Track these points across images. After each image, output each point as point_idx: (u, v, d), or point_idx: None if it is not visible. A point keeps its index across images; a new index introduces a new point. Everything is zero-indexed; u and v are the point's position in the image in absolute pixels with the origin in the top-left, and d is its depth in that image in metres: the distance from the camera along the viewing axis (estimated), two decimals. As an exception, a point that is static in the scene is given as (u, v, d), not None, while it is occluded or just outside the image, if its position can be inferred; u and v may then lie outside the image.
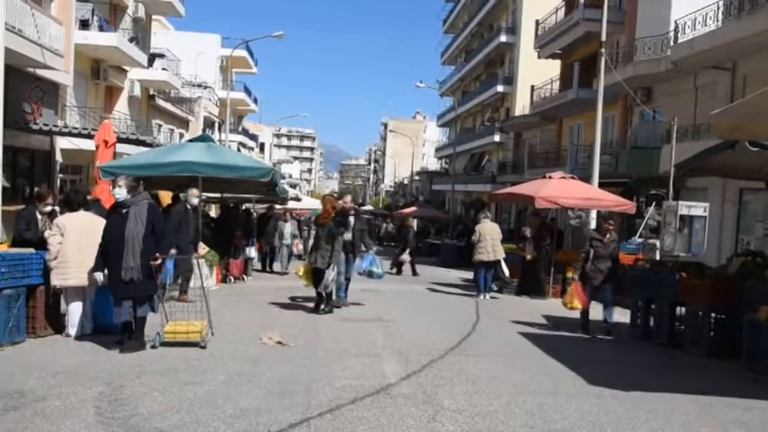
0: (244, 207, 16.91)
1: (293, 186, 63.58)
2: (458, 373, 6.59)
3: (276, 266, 16.90)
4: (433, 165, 70.27)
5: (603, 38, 17.21)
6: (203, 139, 12.90)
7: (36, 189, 10.32)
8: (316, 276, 9.92)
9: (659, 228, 13.80)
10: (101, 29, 19.90)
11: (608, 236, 9.70)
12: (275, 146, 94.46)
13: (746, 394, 6.30)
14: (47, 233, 7.37)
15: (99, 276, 6.85)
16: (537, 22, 29.64)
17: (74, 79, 17.73)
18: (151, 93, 27.27)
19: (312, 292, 10.22)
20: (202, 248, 11.91)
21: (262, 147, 62.09)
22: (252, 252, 15.17)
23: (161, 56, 27.52)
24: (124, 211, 6.77)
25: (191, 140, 13.47)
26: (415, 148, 75.33)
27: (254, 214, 17.72)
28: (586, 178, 16.56)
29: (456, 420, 5.05)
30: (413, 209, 32.69)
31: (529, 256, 14.11)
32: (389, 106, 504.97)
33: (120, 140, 14.37)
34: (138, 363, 6.26)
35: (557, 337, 9.36)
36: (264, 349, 7.23)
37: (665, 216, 12.64)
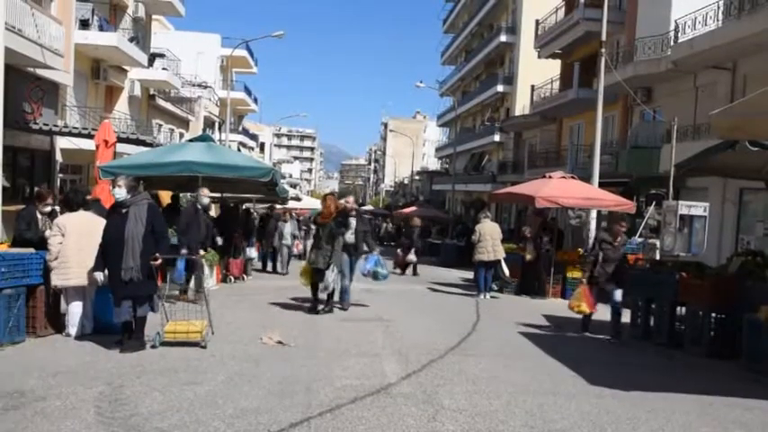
0: (244, 207, 16.91)
1: (293, 186, 63.60)
2: (458, 372, 6.59)
3: (277, 267, 16.88)
4: (434, 165, 70.29)
5: (603, 38, 17.20)
6: (203, 138, 12.91)
7: (36, 189, 10.31)
8: (315, 276, 9.86)
9: (659, 227, 13.81)
10: (101, 29, 19.91)
11: (619, 239, 9.48)
12: (275, 146, 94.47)
13: (747, 394, 6.30)
14: (47, 233, 7.37)
15: (99, 276, 6.85)
16: (537, 22, 29.64)
17: (74, 79, 17.73)
18: (151, 92, 27.27)
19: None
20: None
21: (262, 146, 62.10)
22: (252, 252, 15.18)
23: (161, 56, 27.53)
24: (124, 210, 6.77)
25: (191, 140, 13.47)
26: (416, 148, 75.34)
27: (255, 214, 17.72)
28: (586, 178, 16.55)
29: (456, 420, 5.05)
30: (413, 209, 32.70)
31: (529, 256, 14.11)
32: (389, 106, 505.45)
33: (120, 140, 14.37)
34: (138, 362, 6.26)
35: (557, 336, 9.36)
36: (264, 349, 7.23)
37: (665, 216, 12.63)
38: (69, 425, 4.55)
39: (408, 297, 13.05)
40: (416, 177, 67.77)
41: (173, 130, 31.13)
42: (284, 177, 42.95)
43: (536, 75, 30.60)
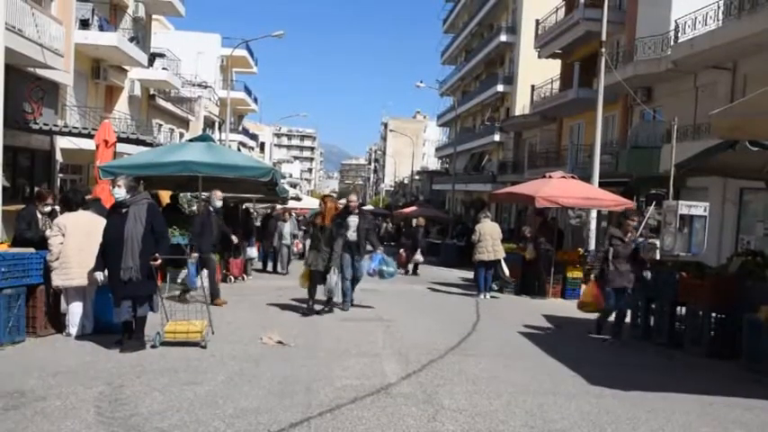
0: (243, 207, 16.90)
1: (293, 186, 63.59)
2: (458, 372, 6.59)
3: (277, 267, 16.88)
4: (434, 164, 70.28)
5: (604, 37, 17.21)
6: (203, 138, 12.91)
7: (36, 189, 10.31)
8: (314, 279, 9.74)
9: (659, 227, 13.80)
10: (101, 28, 19.91)
11: (629, 234, 9.29)
12: (275, 145, 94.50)
13: (747, 394, 6.30)
14: (48, 233, 7.37)
15: (99, 276, 6.86)
16: (537, 22, 29.64)
17: (74, 79, 17.73)
18: (151, 92, 27.28)
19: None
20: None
21: (262, 146, 62.12)
22: (253, 252, 15.17)
23: (161, 55, 27.54)
24: (124, 210, 6.76)
25: (191, 140, 13.47)
26: (416, 148, 75.33)
27: (255, 214, 17.70)
28: (586, 178, 16.56)
29: (456, 420, 5.05)
30: (413, 209, 32.70)
31: (529, 256, 14.11)
32: (390, 106, 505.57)
33: (120, 140, 14.37)
34: (138, 362, 6.26)
35: (557, 336, 9.35)
36: (265, 349, 7.23)
37: (665, 216, 12.62)
38: (69, 425, 4.55)
39: (408, 297, 13.05)
40: (416, 177, 67.76)
41: (173, 129, 31.14)
42: (284, 177, 42.90)
43: (536, 75, 30.60)
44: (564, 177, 14.69)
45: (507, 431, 4.91)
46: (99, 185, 11.61)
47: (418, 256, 18.57)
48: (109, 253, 6.70)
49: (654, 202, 16.16)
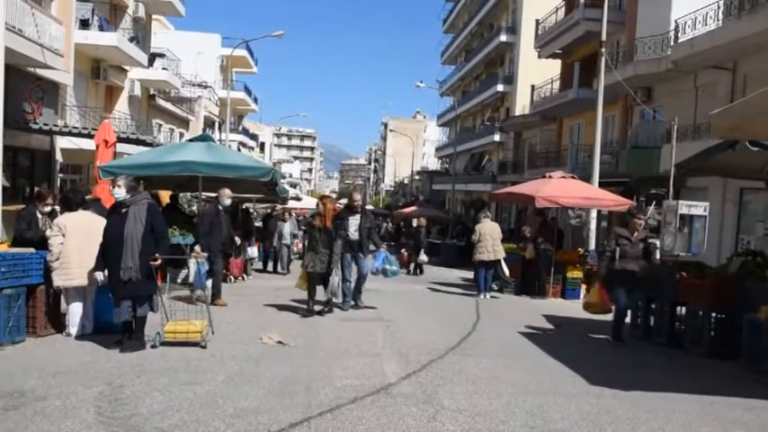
0: (243, 207, 16.90)
1: (293, 186, 63.57)
2: (458, 372, 6.59)
3: (277, 267, 16.88)
4: (434, 164, 70.29)
5: (604, 37, 17.21)
6: (203, 138, 12.91)
7: (36, 189, 10.31)
8: (312, 280, 9.63)
9: (659, 227, 13.79)
10: (101, 28, 19.92)
11: (636, 234, 9.05)
12: (275, 145, 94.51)
13: (747, 394, 6.30)
14: (48, 233, 7.37)
15: (99, 276, 6.86)
16: (537, 22, 29.65)
17: (74, 79, 17.74)
18: (151, 92, 27.29)
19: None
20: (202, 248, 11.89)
21: (262, 146, 62.14)
22: (253, 251, 15.17)
23: (161, 55, 27.55)
24: (124, 210, 6.76)
25: (191, 140, 13.48)
26: (416, 148, 75.35)
27: (255, 214, 17.69)
28: (586, 178, 16.56)
29: (456, 420, 5.05)
30: (413, 208, 32.72)
31: (528, 256, 14.11)
32: (390, 106, 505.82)
33: (120, 140, 14.37)
34: (138, 362, 6.26)
35: (557, 336, 9.35)
36: (265, 349, 7.23)
37: (665, 216, 12.62)
38: (69, 425, 4.55)
39: (408, 297, 13.05)
40: (416, 177, 67.77)
41: (173, 129, 31.15)
42: (284, 177, 42.91)
43: (536, 75, 30.61)
44: (564, 177, 14.69)
45: (507, 431, 4.91)
46: (99, 185, 11.61)
47: (423, 257, 18.62)
48: (109, 253, 6.70)
49: (654, 202, 16.16)
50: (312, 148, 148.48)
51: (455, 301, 13.05)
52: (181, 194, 17.46)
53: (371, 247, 10.57)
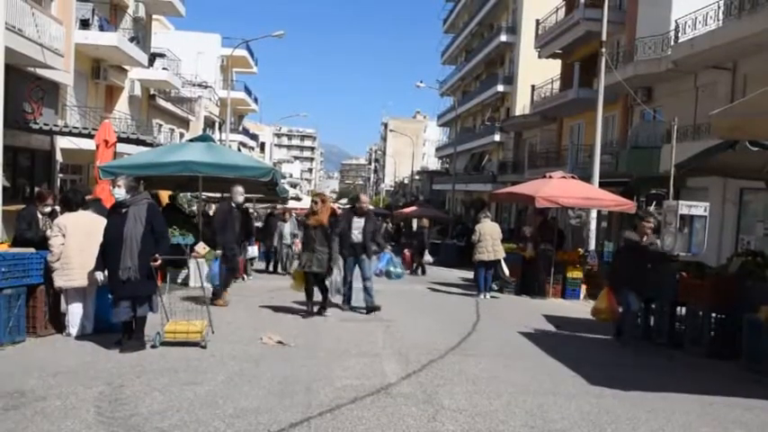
0: (243, 207, 16.87)
1: (294, 186, 63.58)
2: (458, 372, 6.59)
3: (277, 267, 16.88)
4: (434, 164, 70.28)
5: (604, 37, 17.22)
6: (203, 138, 12.92)
7: (37, 189, 10.32)
8: (310, 280, 9.49)
9: (659, 227, 13.80)
10: (101, 28, 19.93)
11: (645, 238, 8.92)
12: (276, 145, 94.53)
13: (747, 394, 6.30)
14: (48, 233, 7.37)
15: (99, 276, 6.86)
16: (537, 22, 29.65)
17: (74, 79, 17.74)
18: (151, 92, 27.29)
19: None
20: (202, 248, 11.91)
21: (262, 146, 62.15)
22: (253, 252, 15.17)
23: (161, 55, 27.55)
24: (123, 210, 6.76)
25: (191, 140, 13.48)
26: (416, 148, 75.35)
27: (255, 214, 17.70)
28: (587, 178, 16.56)
29: (456, 420, 5.05)
30: (413, 209, 32.69)
31: (528, 254, 14.11)
32: (390, 106, 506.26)
33: (120, 140, 14.38)
34: (138, 362, 6.26)
35: (557, 336, 9.36)
36: (265, 349, 7.23)
37: (665, 216, 12.62)
38: (69, 425, 4.55)
39: (408, 297, 13.04)
40: (416, 177, 67.76)
41: (173, 130, 31.15)
42: (284, 177, 42.97)
43: (536, 75, 30.60)
44: (564, 177, 14.69)
45: (507, 431, 4.91)
46: (99, 185, 11.61)
47: (427, 257, 18.65)
48: (108, 253, 6.70)
49: (654, 203, 16.18)
50: (312, 148, 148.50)
51: (455, 301, 13.05)
52: (181, 194, 17.47)
53: (374, 248, 10.35)
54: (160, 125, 29.06)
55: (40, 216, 8.01)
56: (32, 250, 7.19)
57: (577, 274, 14.07)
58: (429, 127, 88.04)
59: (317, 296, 9.76)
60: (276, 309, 10.21)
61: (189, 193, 17.51)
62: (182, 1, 26.77)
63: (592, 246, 16.51)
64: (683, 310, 8.93)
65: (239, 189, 10.67)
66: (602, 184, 16.50)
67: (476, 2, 43.77)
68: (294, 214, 19.02)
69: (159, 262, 6.84)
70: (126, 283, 6.63)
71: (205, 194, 14.18)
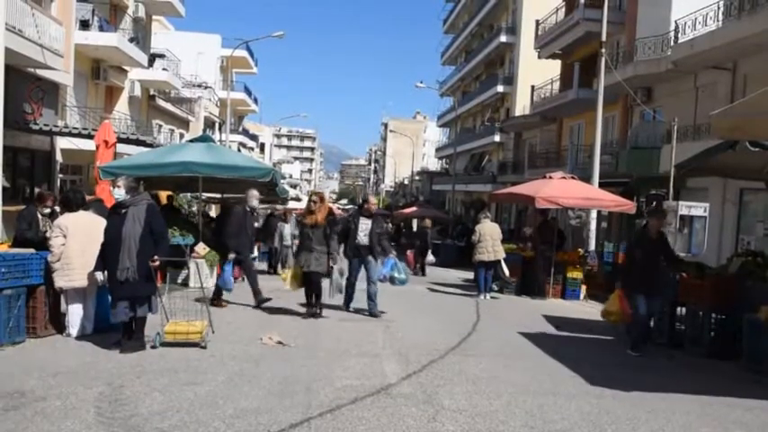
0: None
1: (293, 186, 63.57)
2: (458, 373, 6.59)
3: (277, 267, 16.86)
4: (434, 165, 70.27)
5: (604, 38, 17.23)
6: (203, 139, 12.93)
7: (37, 190, 10.32)
8: (308, 281, 9.37)
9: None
10: (101, 29, 19.93)
11: (657, 235, 8.55)
12: (275, 146, 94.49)
13: (747, 394, 6.30)
14: (49, 233, 7.36)
15: (99, 276, 6.85)
16: (537, 23, 29.65)
17: (74, 79, 17.74)
18: (151, 93, 27.29)
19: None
20: (202, 248, 11.92)
21: (262, 147, 62.13)
22: (254, 251, 15.15)
23: (161, 56, 27.56)
24: (123, 211, 6.76)
25: (191, 141, 13.49)
26: (416, 148, 75.36)
27: (255, 214, 17.68)
28: (586, 178, 16.57)
29: (456, 420, 5.05)
30: (413, 209, 32.71)
31: (528, 253, 14.12)
32: (390, 106, 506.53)
33: (120, 141, 14.39)
34: (138, 363, 6.26)
35: (557, 337, 9.35)
36: (265, 349, 7.23)
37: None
38: (69, 425, 4.55)
39: (408, 297, 13.03)
40: (416, 177, 67.76)
41: (173, 130, 31.14)
42: (284, 178, 42.96)
43: (536, 75, 30.61)
44: (564, 178, 14.69)
45: (507, 431, 4.91)
46: (99, 186, 11.62)
47: (430, 258, 18.66)
48: (108, 253, 6.70)
49: (654, 203, 16.18)
50: (312, 149, 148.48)
51: (455, 301, 13.05)
52: (181, 195, 17.48)
53: (377, 248, 10.14)
54: (160, 126, 29.05)
55: (39, 217, 8.01)
56: (32, 251, 7.19)
57: (577, 275, 14.07)
58: (429, 127, 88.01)
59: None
60: (276, 309, 10.20)
61: (189, 194, 17.53)
62: (181, 1, 26.77)
63: (592, 246, 16.51)
64: (683, 310, 8.93)
65: (255, 193, 10.61)
66: (602, 185, 16.50)
67: (476, 2, 43.78)
68: (294, 215, 19.04)
69: (158, 263, 6.83)
70: (124, 284, 6.62)
71: (205, 195, 14.17)
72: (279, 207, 19.52)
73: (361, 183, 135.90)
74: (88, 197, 8.71)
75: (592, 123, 18.38)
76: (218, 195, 16.25)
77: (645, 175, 17.76)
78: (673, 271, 8.88)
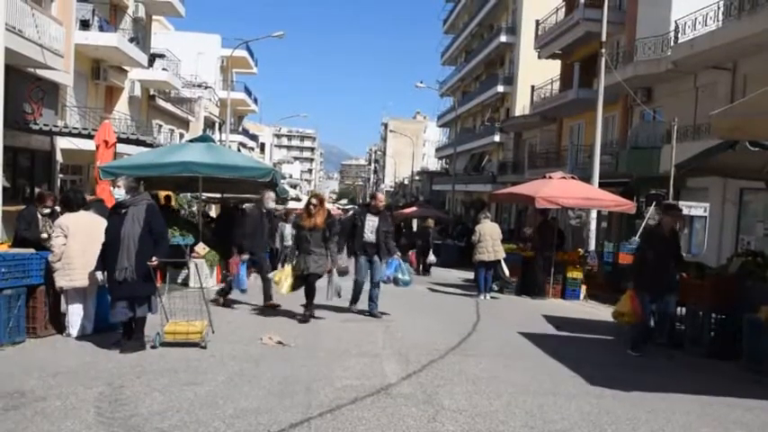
0: (242, 207, 16.87)
1: (294, 186, 63.59)
2: (458, 373, 6.59)
3: (278, 267, 16.84)
4: (434, 165, 70.25)
5: (604, 38, 17.23)
6: (203, 139, 12.94)
7: (37, 190, 10.32)
8: (308, 284, 9.19)
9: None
10: (101, 29, 19.94)
11: (671, 234, 8.34)
12: (275, 146, 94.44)
13: (747, 394, 6.30)
14: (47, 234, 7.36)
15: (99, 276, 6.85)
16: (537, 23, 29.66)
17: (74, 79, 17.74)
18: (151, 93, 27.29)
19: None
20: (202, 248, 11.92)
21: (262, 147, 62.12)
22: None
23: (161, 56, 27.56)
24: (123, 211, 6.76)
25: (191, 141, 13.50)
26: (416, 149, 75.36)
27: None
28: (586, 178, 16.57)
29: (456, 420, 5.05)
30: (413, 209, 32.70)
31: (528, 253, 14.12)
32: (390, 106, 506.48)
33: (120, 141, 14.39)
34: (138, 363, 6.26)
35: (557, 337, 9.35)
36: (265, 349, 7.23)
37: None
38: (69, 425, 4.55)
39: (408, 297, 13.01)
40: (416, 178, 67.78)
41: (173, 130, 31.14)
42: (284, 178, 42.97)
43: (536, 75, 30.61)
44: (564, 178, 14.69)
45: (507, 431, 4.91)
46: (100, 186, 11.62)
47: (432, 257, 18.67)
48: (108, 253, 6.70)
49: (654, 203, 16.17)
50: (312, 149, 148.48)
51: (455, 301, 13.05)
52: (181, 195, 17.48)
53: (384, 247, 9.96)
54: (160, 126, 29.05)
55: (39, 217, 8.01)
56: (32, 251, 7.19)
57: (577, 275, 14.07)
58: (429, 127, 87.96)
59: (319, 298, 9.68)
60: (276, 309, 10.20)
61: (189, 194, 17.54)
62: (181, 1, 26.78)
63: (592, 246, 16.51)
64: (683, 310, 8.93)
65: (271, 195, 10.57)
66: (602, 185, 16.50)
67: (476, 2, 43.79)
68: (295, 215, 19.05)
69: (156, 263, 6.82)
70: (123, 284, 6.61)
71: (205, 195, 14.17)
72: (279, 207, 19.49)
73: (361, 183, 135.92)
74: (89, 197, 8.73)
75: (592, 123, 18.39)
76: (219, 195, 16.25)
77: (645, 175, 17.76)
78: (678, 270, 8.87)
